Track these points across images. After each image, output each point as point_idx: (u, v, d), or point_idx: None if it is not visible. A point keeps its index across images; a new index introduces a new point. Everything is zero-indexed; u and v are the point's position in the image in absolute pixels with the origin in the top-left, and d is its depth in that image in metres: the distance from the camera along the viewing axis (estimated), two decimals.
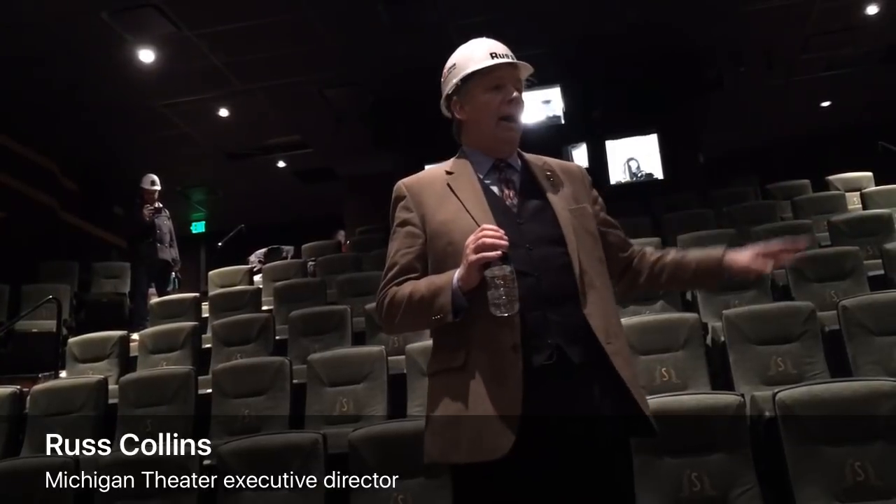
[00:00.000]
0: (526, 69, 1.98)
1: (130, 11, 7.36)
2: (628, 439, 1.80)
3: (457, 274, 1.74)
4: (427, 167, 2.07)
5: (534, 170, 1.98)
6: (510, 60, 1.94)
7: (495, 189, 1.92)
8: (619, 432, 1.77)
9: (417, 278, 1.85)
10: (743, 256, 1.91)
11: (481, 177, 1.94)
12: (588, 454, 1.71)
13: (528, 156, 2.02)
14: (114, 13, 7.37)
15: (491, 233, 1.69)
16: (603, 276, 1.88)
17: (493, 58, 1.93)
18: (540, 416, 1.69)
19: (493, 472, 1.69)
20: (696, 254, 1.98)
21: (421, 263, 1.88)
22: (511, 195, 1.91)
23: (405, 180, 2.00)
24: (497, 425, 1.68)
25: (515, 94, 1.93)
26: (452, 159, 2.02)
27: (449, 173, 1.95)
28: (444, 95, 2.02)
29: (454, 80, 1.96)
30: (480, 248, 1.68)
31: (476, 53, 1.95)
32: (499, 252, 1.67)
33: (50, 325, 7.21)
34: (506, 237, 1.70)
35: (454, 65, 1.98)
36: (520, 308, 1.71)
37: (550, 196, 1.91)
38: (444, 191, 1.90)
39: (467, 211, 1.85)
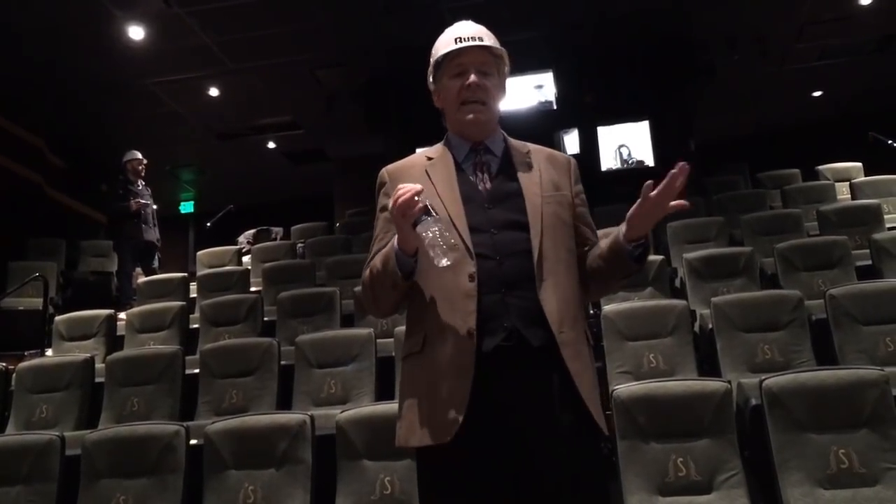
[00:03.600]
0: (499, 51, 1.95)
1: None
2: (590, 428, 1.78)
3: (395, 239, 1.78)
4: (419, 150, 2.06)
5: (513, 155, 1.98)
6: (469, 44, 1.92)
7: (469, 174, 1.94)
8: (567, 423, 1.75)
9: None
10: (635, 209, 1.82)
11: (459, 161, 1.96)
12: (540, 440, 1.71)
13: (514, 142, 2.03)
14: None
15: (403, 191, 1.69)
16: (569, 264, 1.88)
17: (457, 42, 1.92)
18: (489, 400, 1.70)
19: (447, 455, 1.71)
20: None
21: None
22: (485, 179, 1.93)
23: (388, 167, 2.02)
24: (447, 408, 1.71)
25: (473, 77, 1.90)
26: (436, 145, 2.04)
27: (430, 159, 1.98)
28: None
29: (430, 68, 2.00)
30: (401, 208, 1.68)
31: (444, 39, 1.97)
32: (419, 205, 1.67)
33: (36, 302, 7.17)
34: (421, 191, 1.70)
35: (433, 52, 2.00)
36: (479, 290, 1.75)
37: (523, 181, 1.91)
38: (421, 176, 1.91)
39: (439, 196, 1.86)
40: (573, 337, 1.79)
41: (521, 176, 1.93)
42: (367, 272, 1.89)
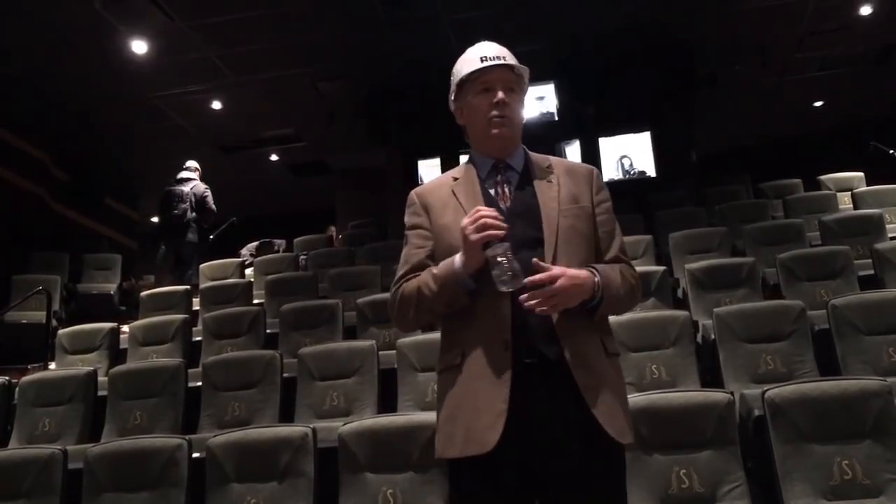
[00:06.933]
0: (521, 70, 2.02)
1: (123, 2, 7.31)
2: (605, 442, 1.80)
3: (458, 259, 1.81)
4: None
5: (533, 170, 2.02)
6: (497, 63, 1.97)
7: (492, 191, 1.98)
8: (577, 438, 1.77)
9: None
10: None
11: (482, 178, 2.00)
12: (568, 453, 1.75)
13: (535, 156, 2.07)
14: (106, 3, 7.32)
15: (487, 212, 1.77)
16: None
17: (482, 62, 1.98)
18: (523, 414, 1.75)
19: (484, 467, 1.76)
20: None
21: (432, 262, 1.94)
22: (506, 196, 1.97)
23: (416, 189, 2.11)
24: (486, 420, 1.76)
25: (501, 94, 1.95)
26: (461, 165, 2.11)
27: (455, 179, 2.04)
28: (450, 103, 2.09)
29: (453, 87, 2.05)
30: (481, 228, 1.75)
31: (468, 58, 2.02)
32: (501, 232, 1.75)
33: (40, 315, 7.19)
34: (501, 217, 1.79)
35: (454, 72, 2.06)
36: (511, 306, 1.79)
37: (541, 196, 1.95)
38: (448, 196, 1.99)
39: (465, 213, 1.89)
40: (586, 350, 1.82)
41: (540, 190, 1.96)
42: (406, 289, 1.92)
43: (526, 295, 1.73)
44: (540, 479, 1.77)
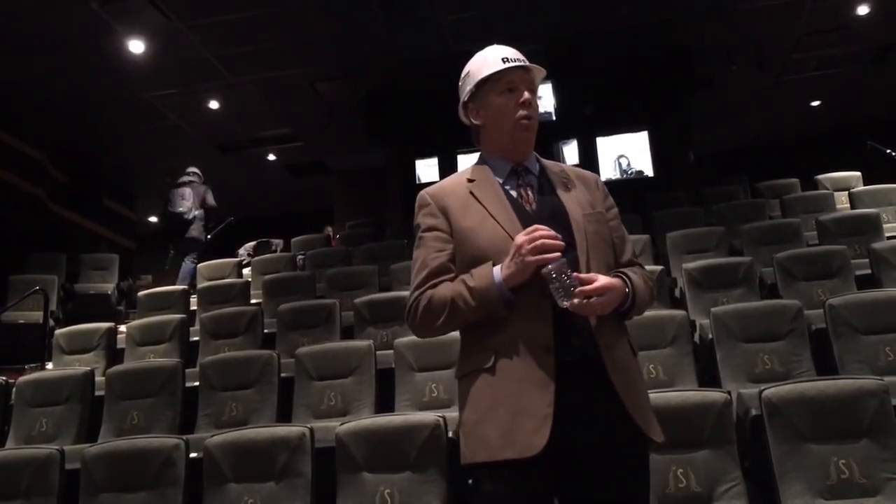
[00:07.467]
0: (539, 73, 2.02)
1: (120, 1, 7.30)
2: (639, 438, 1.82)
3: (501, 270, 1.79)
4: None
5: (550, 175, 2.02)
6: (522, 64, 1.98)
7: (514, 193, 1.96)
8: (617, 434, 1.79)
9: (453, 280, 1.87)
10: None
11: (500, 181, 1.98)
12: (608, 457, 1.76)
13: (546, 161, 2.07)
14: (103, 2, 7.31)
15: (546, 232, 1.75)
16: None
17: (504, 63, 1.97)
18: (568, 415, 1.72)
19: (518, 472, 1.72)
20: None
21: (454, 265, 1.90)
22: (530, 199, 1.96)
23: (428, 189, 2.04)
24: (531, 423, 1.72)
25: (528, 95, 1.96)
26: (472, 166, 2.07)
27: (470, 181, 1.99)
28: (460, 103, 2.06)
29: (469, 87, 2.02)
30: (539, 250, 1.73)
31: (489, 59, 2.01)
32: (558, 254, 1.74)
33: (37, 315, 7.17)
34: (559, 237, 1.77)
35: (468, 72, 2.04)
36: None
37: (566, 200, 1.95)
38: (467, 197, 1.95)
39: (492, 217, 1.89)
40: (617, 351, 1.84)
41: (562, 195, 1.96)
42: (436, 297, 1.86)
43: (576, 302, 1.72)
44: (580, 480, 1.75)
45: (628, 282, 1.87)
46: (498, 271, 1.79)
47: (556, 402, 1.72)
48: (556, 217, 1.90)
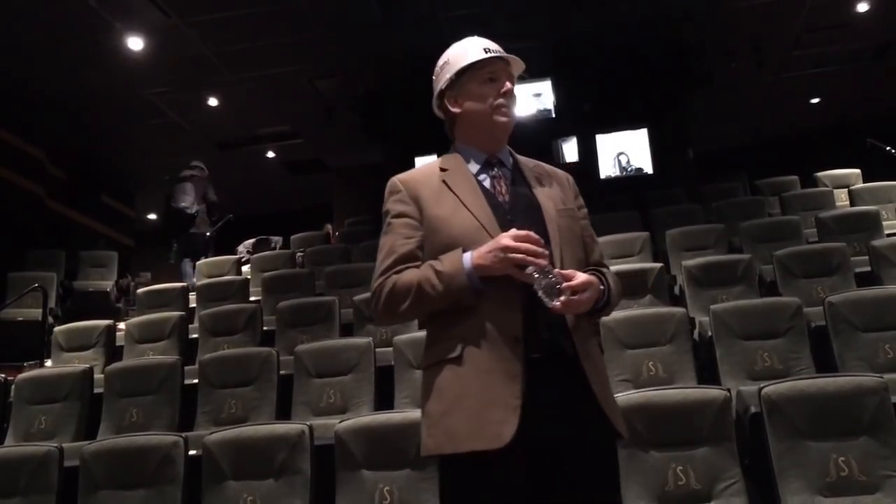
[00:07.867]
0: (518, 65, 2.02)
1: None
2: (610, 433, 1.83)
3: (472, 257, 1.77)
4: (417, 160, 2.08)
5: (524, 168, 2.02)
6: (502, 55, 1.99)
7: (487, 184, 1.95)
8: (589, 429, 1.78)
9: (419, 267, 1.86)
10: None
11: (474, 172, 1.97)
12: (581, 451, 1.75)
13: (520, 156, 2.07)
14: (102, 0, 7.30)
15: (535, 240, 1.73)
16: None
17: (486, 53, 1.97)
18: (535, 407, 1.71)
19: (486, 463, 1.69)
20: None
21: (422, 253, 1.88)
22: (503, 191, 1.94)
23: (399, 176, 2.02)
24: (498, 414, 1.70)
25: (509, 84, 1.97)
26: (445, 156, 2.04)
27: (443, 170, 1.98)
28: (436, 92, 2.03)
29: (448, 75, 1.99)
30: (526, 254, 1.71)
31: (469, 49, 2.00)
32: (544, 262, 1.72)
33: (35, 313, 7.17)
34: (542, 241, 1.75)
35: (447, 61, 2.02)
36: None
37: (539, 195, 1.95)
38: (439, 186, 1.93)
39: (465, 206, 1.88)
40: (589, 346, 1.84)
41: (536, 189, 1.96)
42: (400, 282, 1.83)
43: (564, 300, 1.70)
44: (549, 473, 1.73)
45: (604, 279, 1.88)
46: (468, 258, 1.77)
47: (525, 394, 1.71)
48: (530, 210, 1.91)
